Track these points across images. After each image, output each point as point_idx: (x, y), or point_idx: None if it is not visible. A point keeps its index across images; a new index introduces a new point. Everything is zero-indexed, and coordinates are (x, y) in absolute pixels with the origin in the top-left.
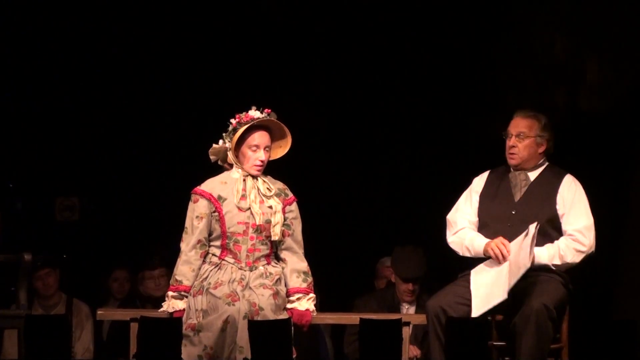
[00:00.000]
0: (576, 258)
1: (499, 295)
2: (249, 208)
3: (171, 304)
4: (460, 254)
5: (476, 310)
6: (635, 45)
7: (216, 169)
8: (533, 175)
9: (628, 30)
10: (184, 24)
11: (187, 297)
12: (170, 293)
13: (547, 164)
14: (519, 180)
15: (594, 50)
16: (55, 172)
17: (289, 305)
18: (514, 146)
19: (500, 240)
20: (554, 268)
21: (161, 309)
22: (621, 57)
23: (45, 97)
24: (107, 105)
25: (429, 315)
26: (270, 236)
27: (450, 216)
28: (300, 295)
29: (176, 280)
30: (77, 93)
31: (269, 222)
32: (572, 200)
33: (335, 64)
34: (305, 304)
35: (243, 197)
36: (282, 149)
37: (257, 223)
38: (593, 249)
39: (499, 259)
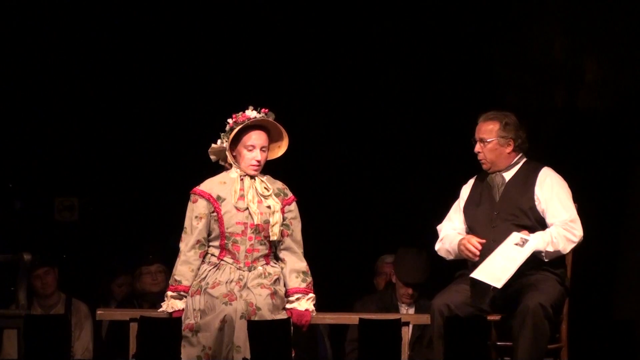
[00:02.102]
0: (567, 246)
1: (495, 280)
2: (247, 208)
3: (170, 304)
4: (448, 259)
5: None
6: (634, 45)
7: (215, 169)
8: (509, 175)
9: (627, 30)
10: (183, 24)
11: (186, 297)
12: (169, 293)
13: (523, 160)
14: (496, 182)
15: (593, 49)
16: (55, 172)
17: (288, 306)
18: (479, 152)
19: (467, 239)
20: (544, 257)
21: (160, 309)
22: (620, 57)
23: (44, 97)
24: (106, 106)
25: (434, 313)
26: (268, 236)
27: (439, 225)
28: (299, 295)
29: (175, 280)
30: (76, 93)
31: (267, 222)
32: (551, 194)
33: (335, 65)
34: (305, 304)
35: (241, 197)
36: (279, 149)
37: (255, 223)
38: (581, 239)
39: (470, 257)
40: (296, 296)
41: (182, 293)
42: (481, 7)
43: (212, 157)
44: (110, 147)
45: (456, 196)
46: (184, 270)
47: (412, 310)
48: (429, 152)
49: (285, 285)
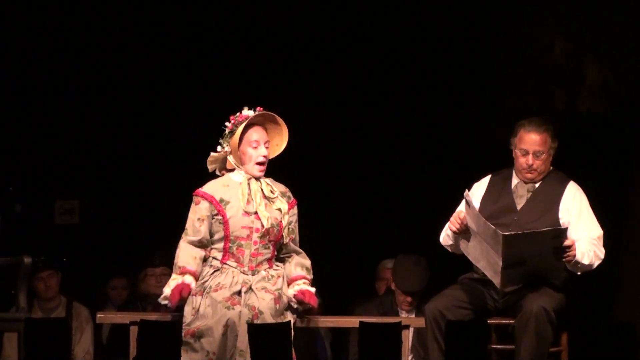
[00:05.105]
0: (595, 262)
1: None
2: (256, 212)
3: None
4: (450, 250)
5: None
6: (635, 47)
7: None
8: (536, 184)
9: (627, 32)
10: (185, 25)
11: (194, 278)
12: (173, 276)
13: (550, 168)
14: (519, 188)
15: (593, 52)
16: (55, 175)
17: (296, 287)
18: (532, 164)
19: (453, 217)
20: (579, 268)
21: (162, 296)
22: (620, 59)
23: (45, 99)
24: (106, 109)
25: (427, 318)
26: (275, 240)
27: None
28: (306, 280)
29: (179, 267)
30: (76, 96)
31: (277, 225)
32: (580, 210)
33: (336, 67)
34: (312, 288)
35: (248, 201)
36: (278, 147)
37: (266, 226)
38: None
39: (459, 230)
40: (303, 280)
41: (189, 275)
42: (481, 9)
43: (210, 167)
44: (111, 150)
45: (456, 197)
46: (185, 256)
47: (412, 316)
48: (430, 156)
49: (289, 274)
